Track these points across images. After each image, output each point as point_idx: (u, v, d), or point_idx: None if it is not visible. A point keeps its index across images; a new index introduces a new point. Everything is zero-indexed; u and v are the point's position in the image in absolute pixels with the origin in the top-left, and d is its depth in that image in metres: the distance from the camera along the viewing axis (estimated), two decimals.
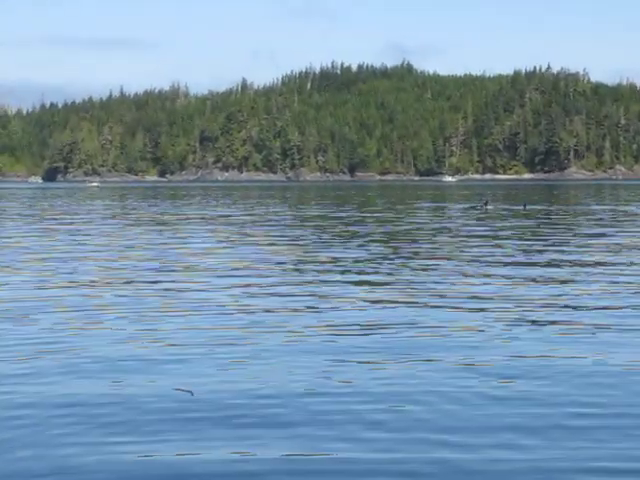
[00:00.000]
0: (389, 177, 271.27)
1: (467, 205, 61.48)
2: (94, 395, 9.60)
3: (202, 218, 48.29)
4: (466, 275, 20.14)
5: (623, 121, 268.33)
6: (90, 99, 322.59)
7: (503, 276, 19.94)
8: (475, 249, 27.19)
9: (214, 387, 9.88)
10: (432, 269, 21.57)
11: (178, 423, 8.61)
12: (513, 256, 24.81)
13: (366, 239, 31.64)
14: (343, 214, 52.51)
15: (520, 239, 31.36)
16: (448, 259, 24.10)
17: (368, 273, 20.77)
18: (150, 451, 7.87)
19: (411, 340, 12.68)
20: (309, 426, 8.59)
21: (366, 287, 18.27)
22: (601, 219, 44.11)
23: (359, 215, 50.92)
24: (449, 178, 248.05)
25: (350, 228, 38.51)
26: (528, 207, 58.50)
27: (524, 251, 26.37)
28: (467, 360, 11.34)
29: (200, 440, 8.13)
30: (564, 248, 27.22)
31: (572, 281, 19.04)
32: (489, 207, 57.12)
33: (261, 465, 7.57)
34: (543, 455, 7.82)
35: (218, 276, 20.29)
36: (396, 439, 8.22)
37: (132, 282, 19.14)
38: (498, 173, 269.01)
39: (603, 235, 32.98)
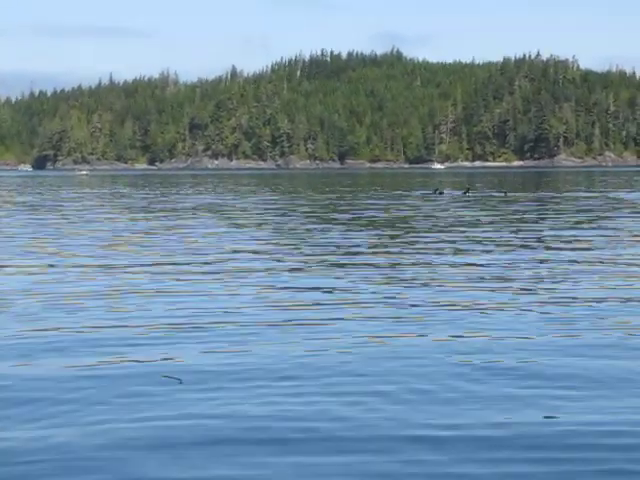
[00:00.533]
0: (379, 165, 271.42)
1: (458, 192, 61.30)
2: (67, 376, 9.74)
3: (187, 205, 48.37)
4: (429, 263, 20.26)
5: (612, 108, 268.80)
6: (79, 87, 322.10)
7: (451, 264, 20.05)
8: (439, 234, 27.31)
9: (198, 368, 10.08)
10: (396, 254, 21.73)
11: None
12: (468, 243, 24.94)
13: (348, 226, 31.80)
14: (327, 201, 52.62)
15: (487, 225, 31.49)
16: (409, 245, 24.22)
17: (343, 258, 20.91)
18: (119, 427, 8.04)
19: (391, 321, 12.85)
20: (287, 404, 8.73)
21: (343, 269, 18.42)
22: (583, 206, 44.25)
23: (344, 202, 50.99)
24: (438, 165, 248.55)
25: (328, 215, 38.62)
26: (510, 194, 58.63)
27: (477, 237, 26.47)
28: (447, 340, 11.52)
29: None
30: (527, 235, 27.33)
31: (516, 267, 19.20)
32: (469, 194, 57.30)
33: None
34: (530, 430, 7.99)
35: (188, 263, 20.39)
36: (374, 417, 8.36)
37: (107, 266, 19.26)
38: (488, 160, 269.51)
39: (580, 222, 33.15)
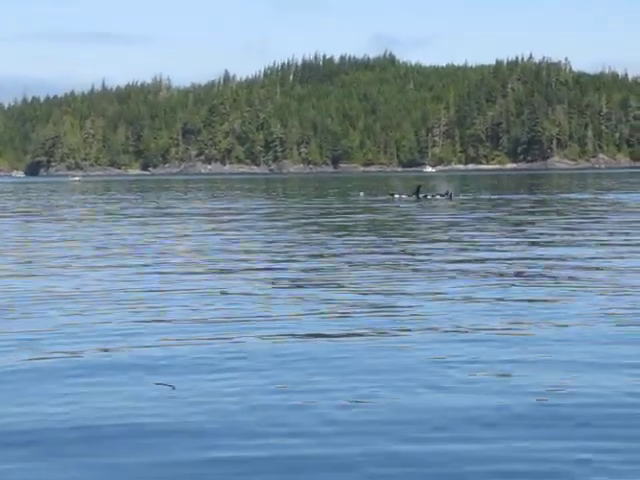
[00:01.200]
0: (372, 168, 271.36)
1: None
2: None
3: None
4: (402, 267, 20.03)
5: (605, 110, 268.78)
6: (72, 93, 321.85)
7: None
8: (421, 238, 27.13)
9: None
10: (360, 260, 21.50)
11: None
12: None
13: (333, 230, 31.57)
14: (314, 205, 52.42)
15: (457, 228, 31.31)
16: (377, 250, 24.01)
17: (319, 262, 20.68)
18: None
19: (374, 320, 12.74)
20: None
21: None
22: (558, 207, 44.07)
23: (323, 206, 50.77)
24: (430, 169, 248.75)
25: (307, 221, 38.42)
26: (493, 197, 58.50)
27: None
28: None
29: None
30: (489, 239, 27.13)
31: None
32: (451, 198, 56.45)
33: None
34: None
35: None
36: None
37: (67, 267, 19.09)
38: (481, 163, 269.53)
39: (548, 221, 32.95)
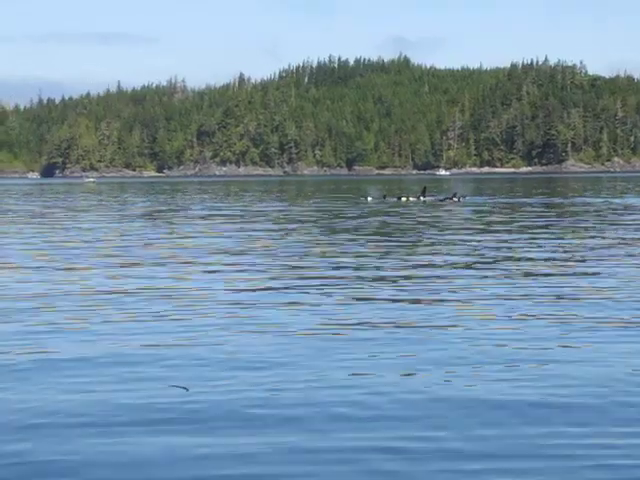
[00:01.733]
0: (387, 171, 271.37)
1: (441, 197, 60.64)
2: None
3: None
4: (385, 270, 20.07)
5: (620, 113, 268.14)
6: (87, 95, 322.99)
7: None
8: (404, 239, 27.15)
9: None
10: (337, 267, 21.55)
11: None
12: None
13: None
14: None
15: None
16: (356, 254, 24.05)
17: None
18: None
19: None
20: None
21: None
22: (553, 212, 44.03)
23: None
24: (443, 172, 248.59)
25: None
26: (495, 200, 58.57)
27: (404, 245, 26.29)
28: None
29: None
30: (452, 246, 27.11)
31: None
32: (456, 200, 56.39)
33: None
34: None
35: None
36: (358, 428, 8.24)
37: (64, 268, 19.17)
38: (496, 166, 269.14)
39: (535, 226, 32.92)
